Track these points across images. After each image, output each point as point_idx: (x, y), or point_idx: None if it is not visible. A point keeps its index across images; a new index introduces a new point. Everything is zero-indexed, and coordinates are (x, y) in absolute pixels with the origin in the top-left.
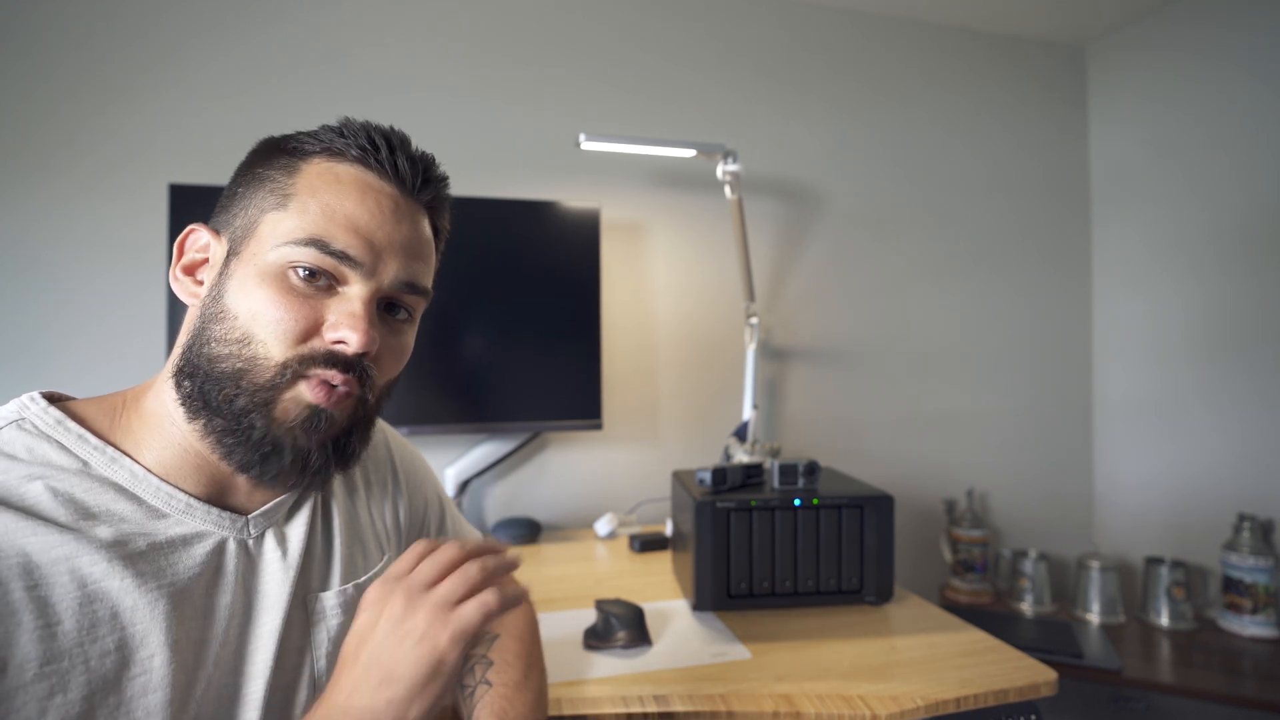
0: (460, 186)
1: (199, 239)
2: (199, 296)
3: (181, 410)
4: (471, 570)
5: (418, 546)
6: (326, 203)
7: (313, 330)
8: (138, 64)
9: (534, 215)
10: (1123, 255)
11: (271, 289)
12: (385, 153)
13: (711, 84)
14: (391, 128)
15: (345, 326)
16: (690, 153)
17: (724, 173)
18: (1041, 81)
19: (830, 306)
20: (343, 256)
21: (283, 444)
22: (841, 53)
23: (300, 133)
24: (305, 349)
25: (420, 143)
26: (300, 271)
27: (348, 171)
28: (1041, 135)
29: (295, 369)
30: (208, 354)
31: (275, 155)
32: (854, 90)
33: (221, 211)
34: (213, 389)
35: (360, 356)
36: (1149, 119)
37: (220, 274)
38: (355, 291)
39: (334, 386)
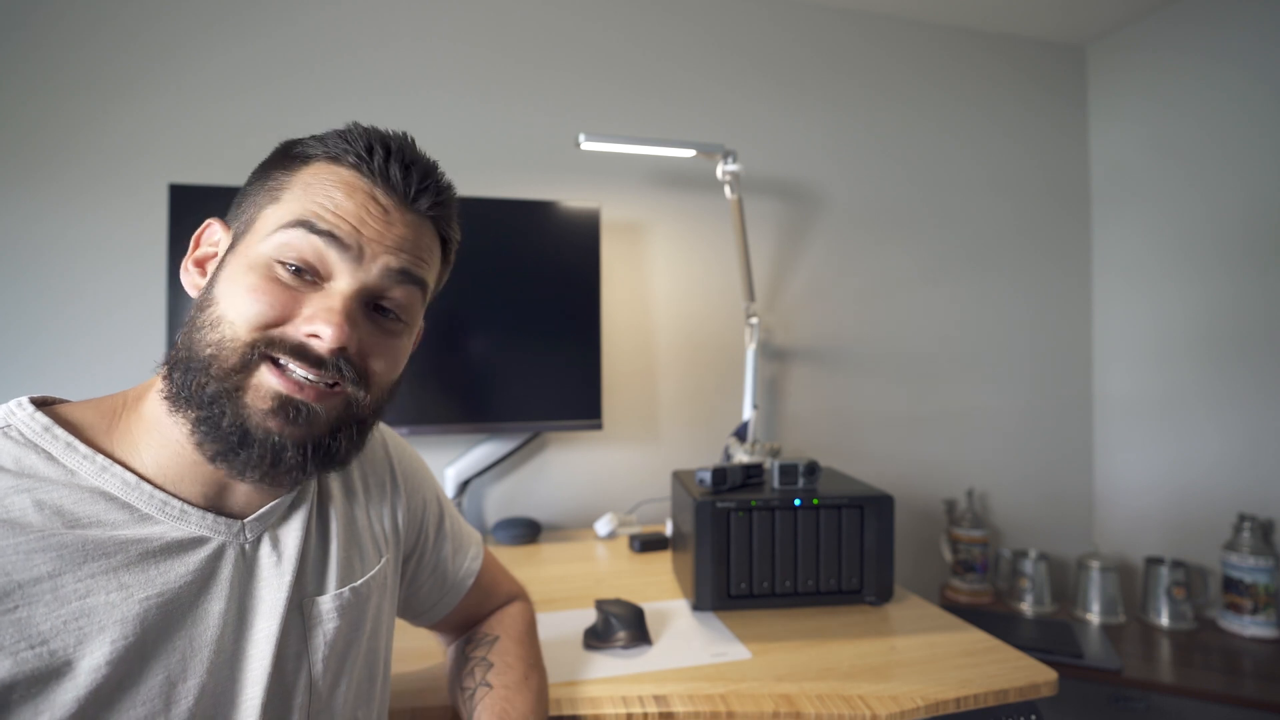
0: (460, 187)
1: (214, 234)
2: (200, 289)
3: (166, 405)
4: None
5: None
6: (315, 193)
7: (284, 318)
8: (138, 64)
9: (534, 215)
10: (1123, 255)
11: (254, 277)
12: (380, 160)
13: (711, 84)
14: (397, 133)
15: (320, 320)
16: (690, 153)
17: (724, 173)
18: (1041, 81)
19: (830, 306)
20: (329, 236)
21: (251, 434)
22: (841, 53)
23: (311, 137)
24: (275, 333)
25: (420, 143)
26: (288, 266)
27: (343, 174)
28: (1041, 135)
29: (261, 350)
30: (188, 342)
31: (283, 158)
32: (854, 90)
33: (234, 208)
34: (188, 379)
35: (336, 353)
36: (1149, 119)
37: (218, 267)
38: (338, 287)
39: (306, 380)
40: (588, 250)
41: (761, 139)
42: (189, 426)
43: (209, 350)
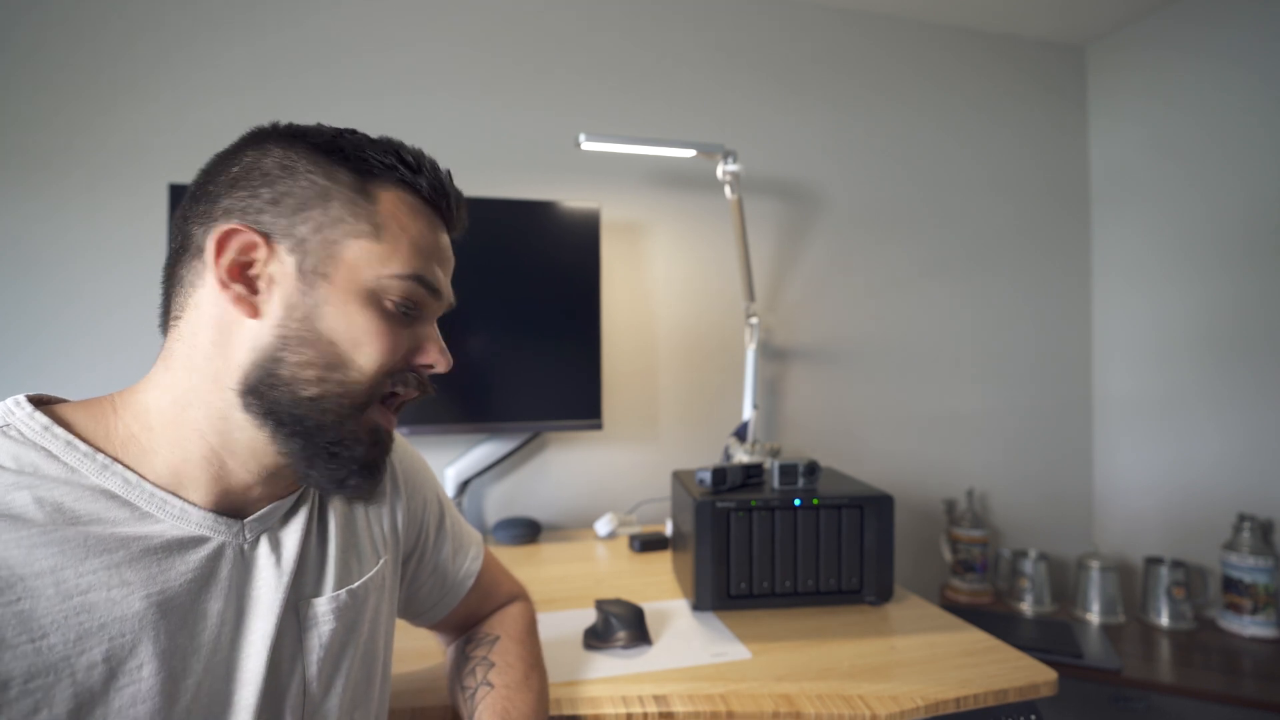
0: (461, 186)
1: (245, 240)
2: (256, 308)
3: (262, 431)
4: None
5: None
6: (414, 238)
7: (407, 357)
8: (139, 64)
9: (534, 215)
10: (1123, 255)
11: (374, 319)
12: (451, 206)
13: (711, 84)
14: (433, 161)
15: (435, 354)
16: (690, 153)
17: (724, 173)
18: (1041, 81)
19: (830, 306)
20: (436, 291)
21: (361, 463)
22: (841, 53)
23: (367, 142)
24: (395, 373)
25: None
26: (399, 304)
27: (421, 208)
28: (1041, 135)
29: (385, 389)
30: (290, 376)
31: (336, 165)
32: (854, 90)
33: (273, 205)
34: (292, 410)
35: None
36: (1149, 119)
37: (302, 294)
38: (431, 318)
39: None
40: (588, 250)
41: (761, 139)
42: (293, 453)
43: (330, 388)
